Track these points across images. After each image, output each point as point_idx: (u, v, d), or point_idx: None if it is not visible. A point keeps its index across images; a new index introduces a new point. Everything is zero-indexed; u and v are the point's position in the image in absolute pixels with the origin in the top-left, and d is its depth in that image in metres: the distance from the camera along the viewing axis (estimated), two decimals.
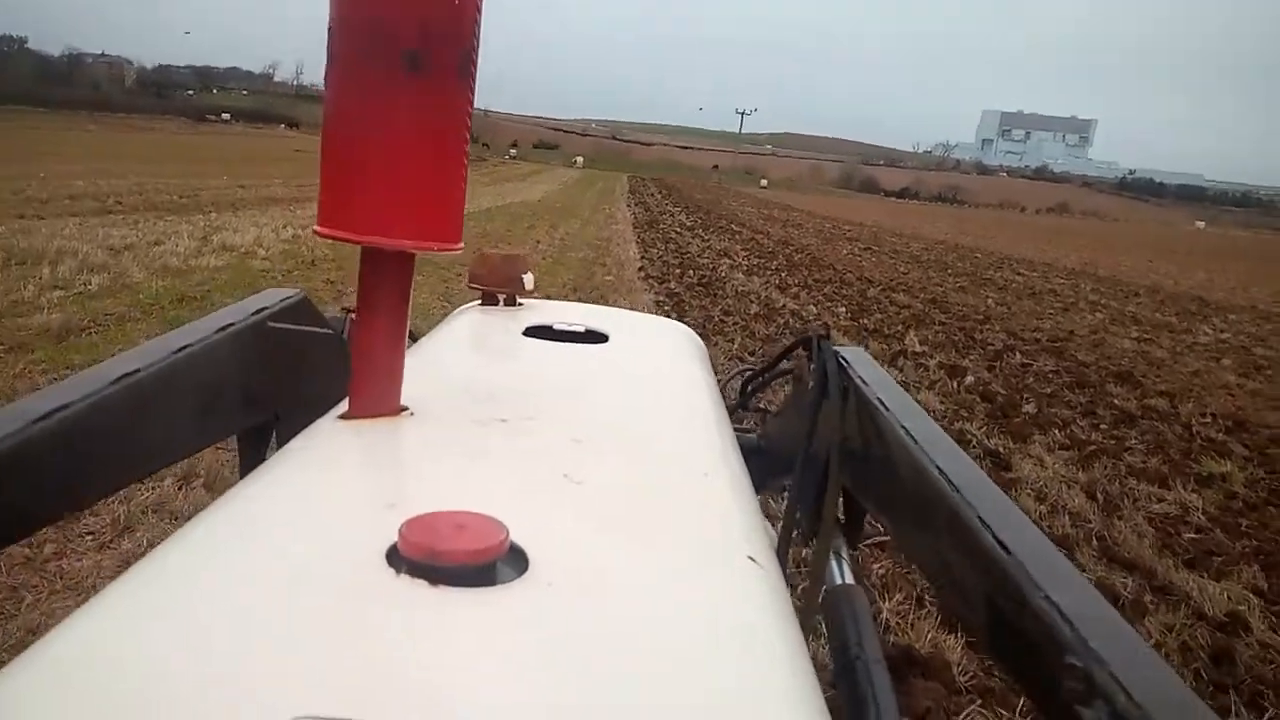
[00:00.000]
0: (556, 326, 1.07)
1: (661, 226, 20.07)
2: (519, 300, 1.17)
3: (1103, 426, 5.26)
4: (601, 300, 8.25)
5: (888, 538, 1.25)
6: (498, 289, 1.15)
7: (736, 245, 16.98)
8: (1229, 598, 2.90)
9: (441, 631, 0.41)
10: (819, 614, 0.85)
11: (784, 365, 1.22)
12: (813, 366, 1.00)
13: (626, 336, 1.08)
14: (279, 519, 0.51)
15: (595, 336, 1.05)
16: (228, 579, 0.45)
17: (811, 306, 9.27)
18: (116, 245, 8.47)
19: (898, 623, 2.47)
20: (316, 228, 0.62)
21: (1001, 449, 4.48)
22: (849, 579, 0.91)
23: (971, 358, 7.14)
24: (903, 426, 0.77)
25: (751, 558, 0.54)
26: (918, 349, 7.26)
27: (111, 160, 23.43)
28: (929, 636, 2.39)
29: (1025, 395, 5.86)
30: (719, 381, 1.13)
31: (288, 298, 0.94)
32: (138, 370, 0.68)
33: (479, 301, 1.17)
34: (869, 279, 13.06)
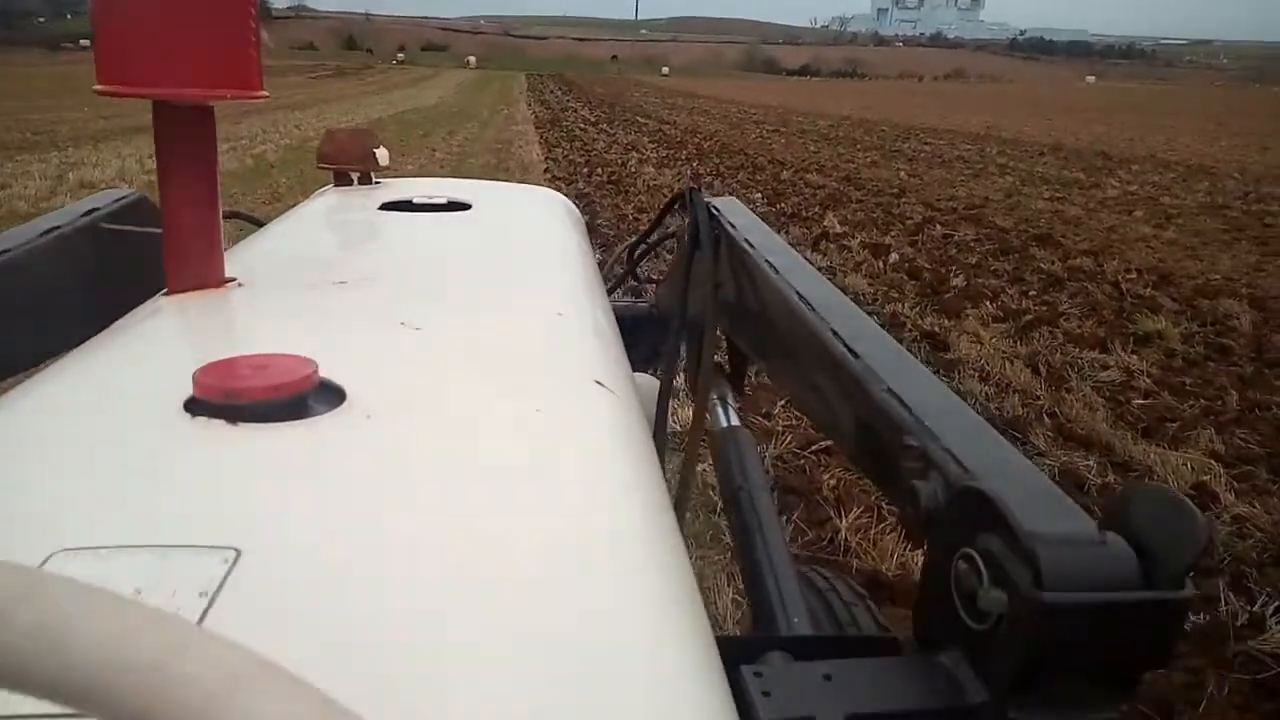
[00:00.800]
0: (416, 200, 1.01)
1: (565, 124, 19.24)
2: (375, 179, 1.12)
3: (1032, 293, 5.14)
4: None
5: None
6: (350, 166, 1.10)
7: (644, 138, 16.38)
8: (1191, 468, 2.79)
9: (242, 464, 0.40)
10: (704, 457, 0.86)
11: (669, 230, 1.18)
12: (687, 221, 0.98)
13: (491, 205, 1.03)
14: (80, 387, 0.50)
15: (458, 206, 1.00)
16: (27, 443, 0.43)
17: (728, 195, 8.93)
18: None
19: (859, 542, 2.26)
20: (96, 86, 0.56)
21: (936, 328, 4.30)
22: (733, 421, 0.90)
23: (893, 234, 6.95)
24: (768, 262, 0.78)
25: (599, 381, 0.53)
26: (838, 230, 7.02)
27: None
28: (895, 557, 2.19)
29: (951, 268, 5.70)
30: (611, 258, 1.13)
31: (123, 198, 0.88)
32: None
33: (333, 184, 1.12)
34: (781, 161, 12.73)
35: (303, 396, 0.43)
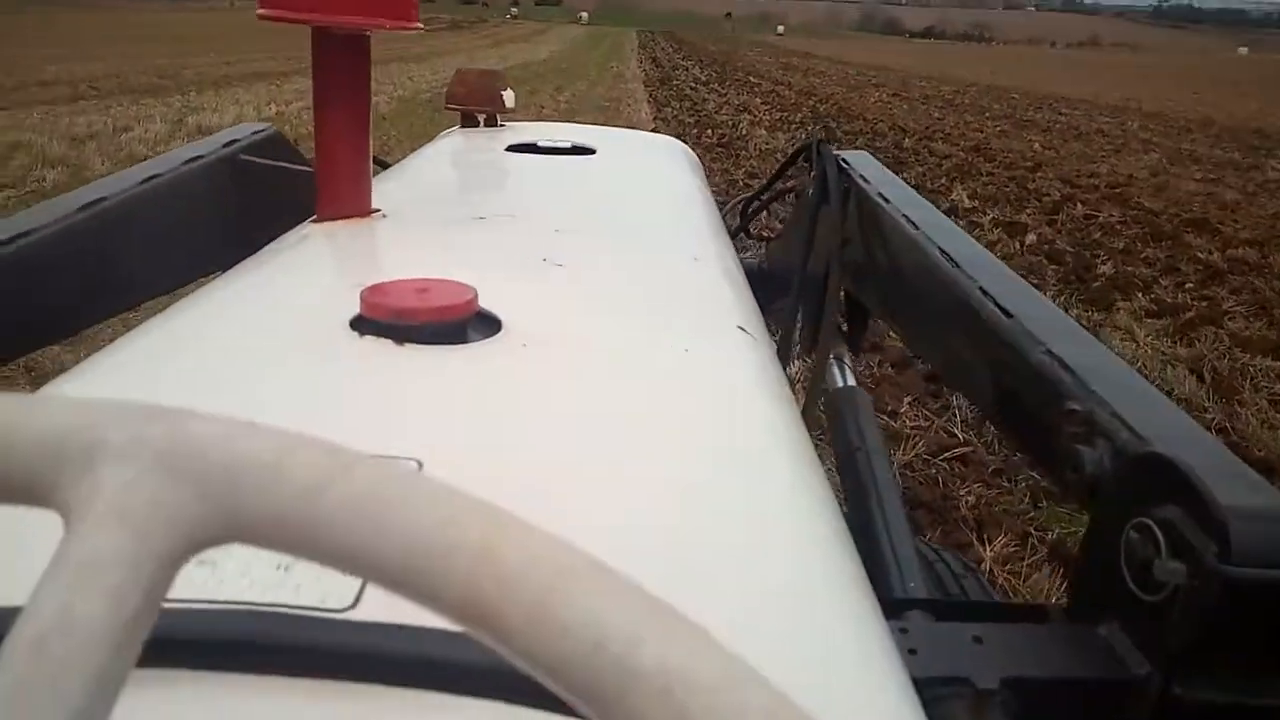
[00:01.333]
0: (541, 143, 1.01)
1: (675, 83, 18.81)
2: (501, 121, 1.12)
3: (1189, 285, 4.61)
4: None
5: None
6: (477, 108, 1.10)
7: (756, 99, 15.84)
8: None
9: (408, 383, 0.41)
10: (821, 415, 0.86)
11: (787, 184, 1.15)
12: (813, 174, 0.96)
13: (615, 151, 1.03)
14: (246, 303, 0.51)
15: (582, 150, 0.99)
16: (197, 357, 0.44)
17: None
18: (81, 134, 7.77)
19: (1006, 577, 1.94)
20: (259, 10, 0.57)
21: (1085, 321, 3.86)
22: (850, 381, 0.92)
23: (1028, 211, 6.41)
24: (905, 216, 0.78)
25: (741, 327, 0.54)
26: (967, 204, 6.52)
27: (91, 44, 22.20)
28: (1051, 595, 1.88)
29: (1097, 253, 5.18)
30: (720, 207, 1.07)
31: (259, 131, 0.92)
32: (103, 199, 0.67)
33: (460, 125, 1.11)
34: (902, 128, 12.07)
35: (463, 322, 0.44)
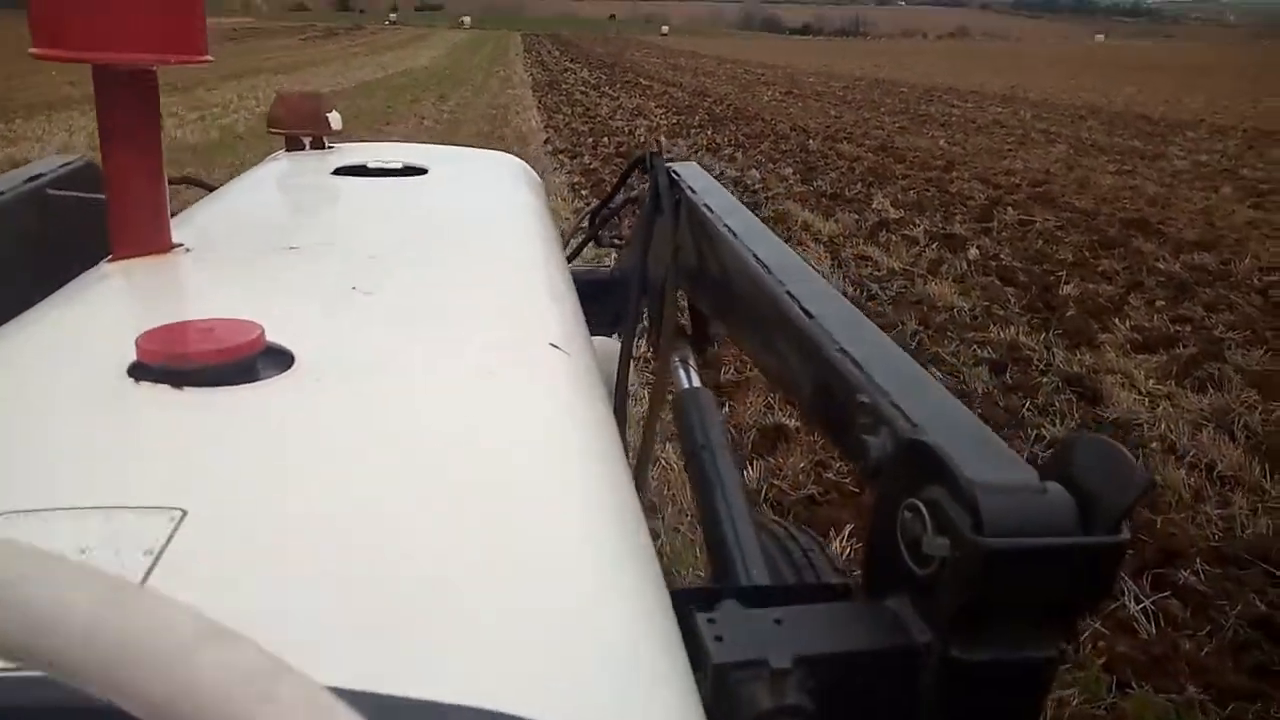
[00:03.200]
0: (371, 164, 0.99)
1: (564, 87, 18.03)
2: (327, 143, 1.09)
3: (1160, 304, 4.12)
4: None
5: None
6: (301, 131, 1.07)
7: (650, 102, 15.20)
8: None
9: (186, 426, 0.40)
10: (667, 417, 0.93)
11: (631, 194, 1.18)
12: (647, 186, 0.99)
13: (447, 170, 1.02)
14: (22, 353, 0.49)
15: (413, 171, 0.99)
16: None
17: (754, 170, 7.84)
18: None
19: None
20: (31, 49, 0.53)
21: (1075, 366, 3.28)
22: (695, 382, 0.92)
23: (959, 220, 5.90)
24: (726, 226, 0.80)
25: (554, 344, 0.53)
26: (893, 214, 5.97)
27: None
28: None
29: (1050, 269, 4.67)
30: (573, 222, 1.64)
31: (68, 163, 0.89)
32: None
33: (284, 149, 1.09)
34: (803, 128, 11.61)
35: (250, 360, 0.43)
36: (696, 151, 9.05)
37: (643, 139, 10.07)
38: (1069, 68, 34.04)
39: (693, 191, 0.93)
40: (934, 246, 5.10)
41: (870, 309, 3.92)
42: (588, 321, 0.80)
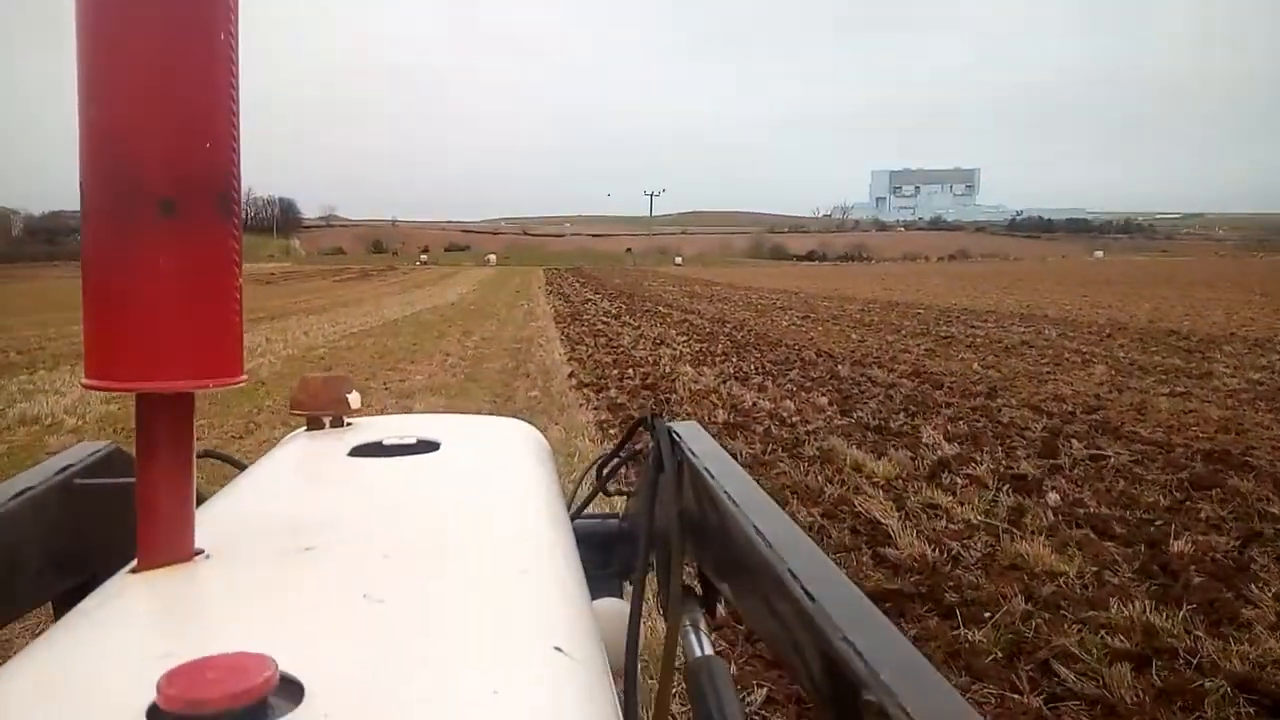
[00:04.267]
0: (386, 442, 1.01)
1: (586, 318, 18.38)
2: (346, 421, 1.12)
3: None
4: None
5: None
6: (322, 412, 1.10)
7: (670, 329, 15.34)
8: None
9: None
10: (678, 687, 1.03)
11: (636, 446, 1.20)
12: (650, 445, 1.02)
13: (459, 443, 1.06)
14: (44, 688, 0.51)
15: (427, 446, 1.01)
16: None
17: (788, 401, 7.51)
18: None
19: None
20: (84, 380, 0.59)
21: (1233, 658, 2.65)
22: (706, 649, 0.90)
23: (1021, 454, 5.42)
24: (726, 492, 0.80)
25: (559, 648, 0.55)
26: (949, 449, 5.51)
27: None
28: None
29: (1144, 516, 4.11)
30: (580, 473, 1.27)
31: (96, 451, 0.93)
32: None
33: (305, 428, 1.13)
34: (828, 353, 11.47)
35: (264, 700, 0.44)
36: (725, 381, 8.80)
37: (667, 369, 9.90)
38: (1075, 284, 34.96)
39: (693, 454, 0.93)
40: (1006, 490, 4.58)
41: (959, 579, 3.36)
42: (597, 574, 0.86)
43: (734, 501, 0.78)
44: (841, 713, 0.53)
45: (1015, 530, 3.90)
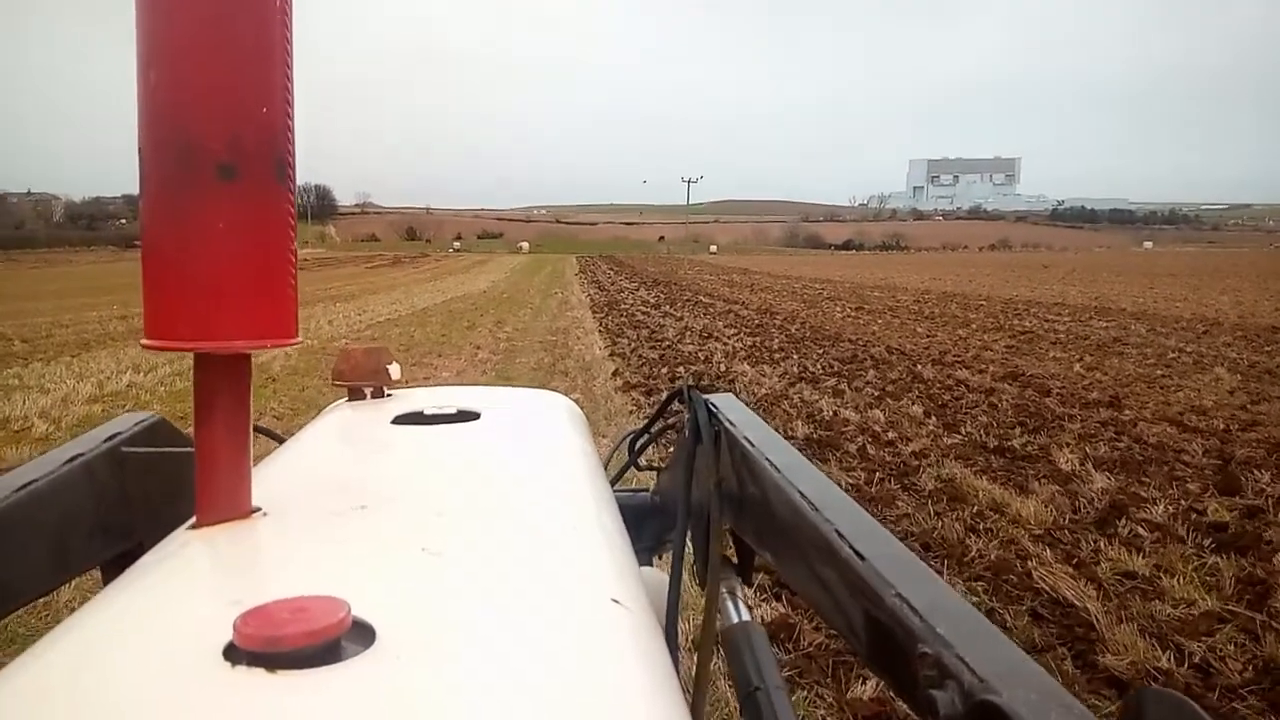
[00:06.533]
0: (427, 411, 1.02)
1: (624, 307, 17.31)
2: (387, 391, 1.13)
3: None
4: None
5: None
6: (363, 383, 1.10)
7: (717, 321, 14.23)
8: None
9: (279, 712, 0.42)
10: (716, 653, 0.91)
11: (669, 420, 1.23)
12: (687, 417, 1.02)
13: (498, 413, 1.07)
14: (116, 635, 0.51)
15: (466, 416, 1.02)
16: (67, 702, 0.45)
17: (875, 411, 6.38)
18: None
19: None
20: (143, 340, 0.61)
21: None
22: (744, 616, 0.92)
23: (1196, 490, 4.27)
24: (768, 460, 0.81)
25: (616, 600, 0.55)
26: (1098, 481, 4.36)
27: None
28: None
29: None
30: (612, 448, 1.31)
31: (141, 421, 0.95)
32: None
33: (346, 398, 1.13)
34: (900, 350, 10.30)
35: (337, 640, 0.45)
36: (792, 384, 7.69)
37: (721, 367, 8.81)
38: (1135, 276, 33.17)
39: (731, 424, 0.93)
40: (1210, 547, 3.44)
41: (1228, 711, 2.24)
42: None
43: (776, 469, 0.78)
44: (898, 667, 0.53)
45: (1270, 620, 2.76)
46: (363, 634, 0.46)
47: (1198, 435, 5.53)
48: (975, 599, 2.96)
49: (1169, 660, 2.49)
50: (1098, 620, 2.71)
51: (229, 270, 0.58)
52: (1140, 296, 21.08)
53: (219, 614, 0.46)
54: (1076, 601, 2.87)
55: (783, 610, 2.73)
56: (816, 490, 0.72)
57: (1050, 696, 0.45)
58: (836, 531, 0.63)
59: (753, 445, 0.86)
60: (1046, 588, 2.98)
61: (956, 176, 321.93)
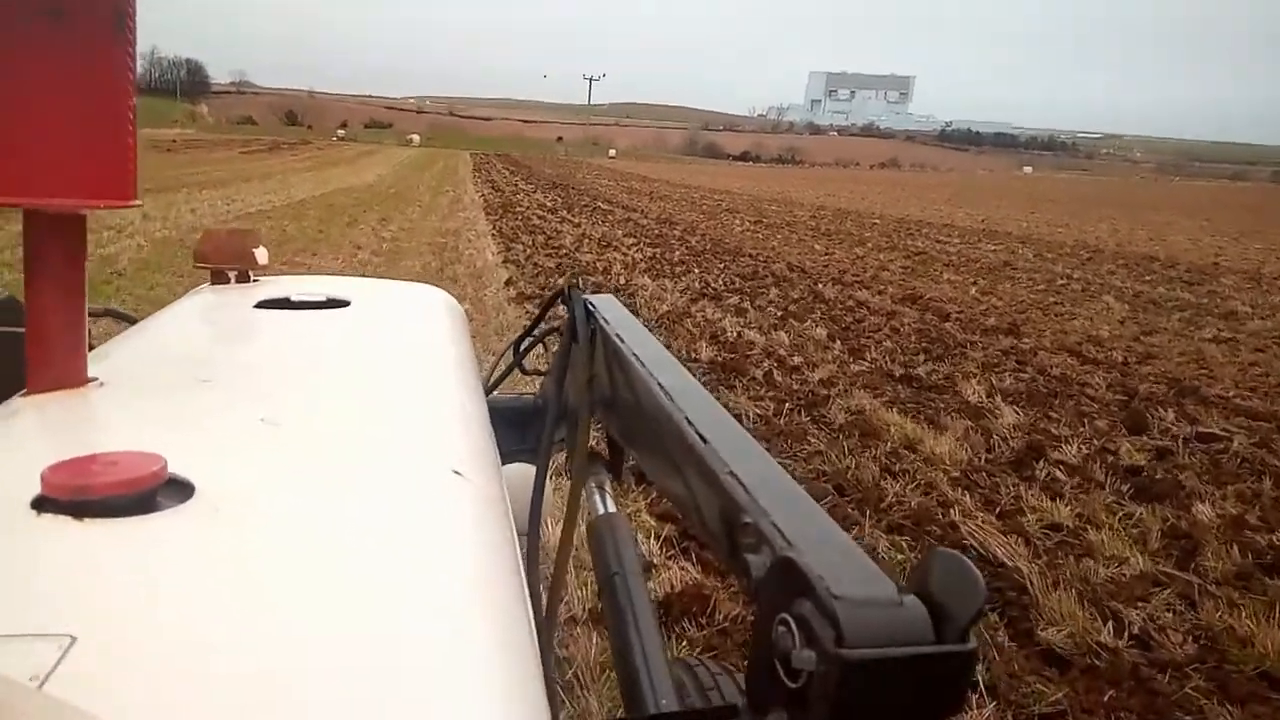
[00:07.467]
0: (294, 298, 1.00)
1: (520, 210, 16.52)
2: (253, 277, 1.09)
3: None
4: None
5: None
6: (227, 265, 1.07)
7: (617, 230, 13.72)
8: None
9: (84, 557, 0.41)
10: (579, 543, 0.97)
11: (553, 324, 1.20)
12: (566, 317, 1.01)
13: (370, 303, 1.04)
14: None
15: (336, 304, 1.00)
16: None
17: (779, 333, 6.12)
18: None
19: None
20: None
21: None
22: (610, 508, 0.94)
23: (1107, 428, 4.19)
24: (634, 355, 0.83)
25: (457, 471, 0.54)
26: (1009, 415, 4.23)
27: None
28: None
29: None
30: (499, 353, 1.27)
31: None
32: None
33: (209, 282, 1.09)
34: (799, 267, 10.12)
35: (151, 492, 0.44)
36: (694, 301, 7.36)
37: (621, 279, 8.40)
38: (1018, 200, 34.28)
39: (606, 322, 0.94)
40: (1129, 493, 3.33)
41: (1171, 695, 2.05)
42: (513, 449, 0.93)
43: (641, 363, 0.79)
44: (727, 537, 0.55)
45: (1204, 584, 2.63)
46: (180, 490, 0.45)
47: (1099, 368, 5.52)
48: (901, 555, 2.72)
49: (1109, 633, 2.31)
50: (1031, 583, 2.52)
51: (60, 121, 0.56)
52: (1024, 220, 21.68)
53: (32, 471, 0.45)
54: (1008, 560, 2.68)
55: (696, 577, 2.41)
56: (674, 382, 0.73)
57: (843, 552, 0.47)
58: (686, 419, 0.65)
59: (623, 342, 0.86)
60: (975, 543, 2.78)
61: (853, 92, 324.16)
